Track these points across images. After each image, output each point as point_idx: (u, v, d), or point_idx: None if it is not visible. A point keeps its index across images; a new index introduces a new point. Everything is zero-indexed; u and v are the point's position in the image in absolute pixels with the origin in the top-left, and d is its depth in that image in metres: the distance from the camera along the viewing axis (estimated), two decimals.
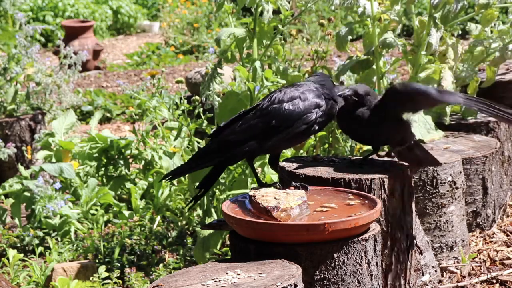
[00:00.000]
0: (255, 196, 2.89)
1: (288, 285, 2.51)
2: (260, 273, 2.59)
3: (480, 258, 3.80)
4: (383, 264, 3.17)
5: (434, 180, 3.66)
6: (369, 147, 3.56)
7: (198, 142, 4.67)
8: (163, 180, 3.24)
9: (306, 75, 4.59)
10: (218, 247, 4.03)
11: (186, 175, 4.69)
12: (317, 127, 3.04)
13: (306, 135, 3.07)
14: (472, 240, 3.98)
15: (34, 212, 4.68)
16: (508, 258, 3.79)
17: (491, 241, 3.98)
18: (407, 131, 3.28)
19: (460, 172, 3.73)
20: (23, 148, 5.75)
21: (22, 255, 4.21)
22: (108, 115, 7.77)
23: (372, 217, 2.81)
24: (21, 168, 5.08)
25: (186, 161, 3.30)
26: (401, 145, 3.31)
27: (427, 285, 3.50)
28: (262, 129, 3.00)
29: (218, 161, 3.05)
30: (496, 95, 4.71)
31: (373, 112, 3.20)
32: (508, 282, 3.55)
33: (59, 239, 4.51)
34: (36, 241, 4.48)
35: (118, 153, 5.05)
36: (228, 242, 4.09)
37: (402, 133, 3.27)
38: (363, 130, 3.24)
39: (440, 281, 3.58)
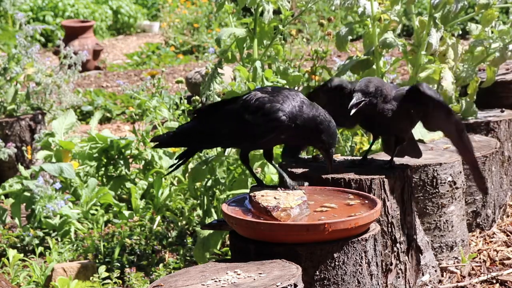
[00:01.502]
0: (255, 196, 2.89)
1: (288, 285, 2.51)
2: (260, 273, 2.59)
3: (480, 258, 3.80)
4: (383, 264, 3.17)
5: (434, 180, 3.66)
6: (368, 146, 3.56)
7: None
8: (152, 143, 3.15)
9: (306, 75, 4.59)
10: (218, 247, 4.02)
11: (187, 175, 4.70)
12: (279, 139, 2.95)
13: (273, 142, 2.99)
14: (472, 240, 3.98)
15: (34, 212, 4.67)
16: (508, 258, 3.79)
17: (491, 241, 3.98)
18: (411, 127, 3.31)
19: (460, 172, 3.73)
20: (23, 148, 5.75)
21: (22, 255, 4.21)
22: (108, 115, 7.77)
23: (372, 217, 2.81)
24: (21, 168, 5.08)
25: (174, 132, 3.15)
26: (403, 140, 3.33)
27: (427, 285, 3.50)
28: (235, 127, 2.93)
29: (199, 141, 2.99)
30: (496, 95, 4.71)
31: (398, 104, 3.19)
32: (508, 282, 3.55)
33: (59, 239, 4.51)
34: (36, 241, 4.48)
35: (118, 153, 5.05)
36: (228, 242, 4.09)
37: (409, 127, 3.30)
38: (381, 120, 3.21)
39: (440, 281, 3.58)
